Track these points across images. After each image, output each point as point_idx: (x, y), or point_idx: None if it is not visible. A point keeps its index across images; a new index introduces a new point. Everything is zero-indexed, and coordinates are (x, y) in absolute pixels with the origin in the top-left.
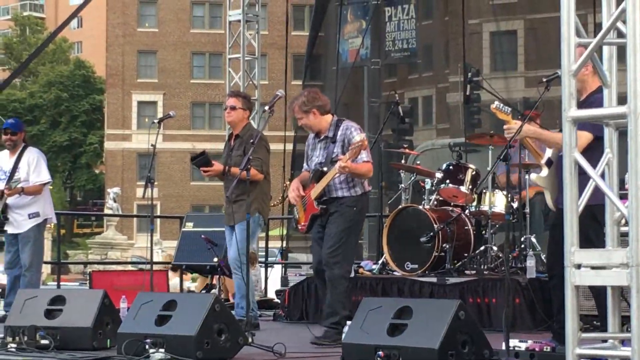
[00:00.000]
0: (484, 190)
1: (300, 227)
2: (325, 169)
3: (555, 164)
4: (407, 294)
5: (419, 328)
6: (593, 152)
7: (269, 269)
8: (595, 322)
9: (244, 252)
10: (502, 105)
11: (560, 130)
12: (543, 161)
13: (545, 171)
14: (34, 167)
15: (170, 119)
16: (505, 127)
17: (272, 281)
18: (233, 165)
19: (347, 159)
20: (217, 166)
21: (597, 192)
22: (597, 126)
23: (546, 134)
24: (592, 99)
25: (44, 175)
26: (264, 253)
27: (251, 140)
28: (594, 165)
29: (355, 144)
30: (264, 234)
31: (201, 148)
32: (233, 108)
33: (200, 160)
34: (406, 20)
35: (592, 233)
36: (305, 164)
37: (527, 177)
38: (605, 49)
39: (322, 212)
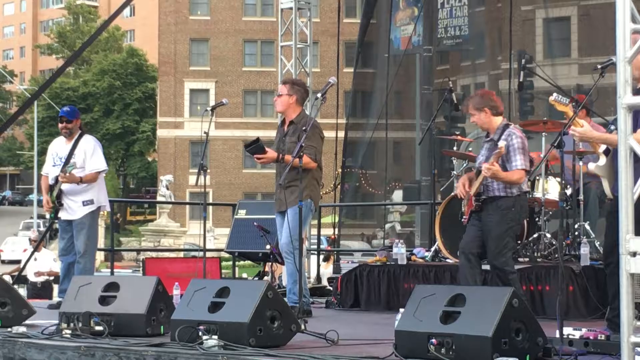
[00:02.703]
0: (537, 177)
1: (463, 220)
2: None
3: (612, 153)
4: (459, 282)
5: (472, 316)
6: None
7: (321, 256)
8: None
9: (296, 237)
10: (560, 96)
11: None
12: (601, 150)
13: (603, 159)
14: (91, 154)
15: (222, 106)
16: (572, 131)
17: (323, 269)
18: (287, 151)
19: (491, 162)
20: (271, 153)
21: None
22: None
23: (612, 137)
24: None
25: (100, 163)
26: (315, 240)
27: (303, 128)
28: None
29: (496, 150)
30: (315, 221)
31: (255, 135)
32: (279, 95)
33: (254, 147)
34: (458, 7)
35: None
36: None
37: (580, 164)
38: None
39: (478, 208)
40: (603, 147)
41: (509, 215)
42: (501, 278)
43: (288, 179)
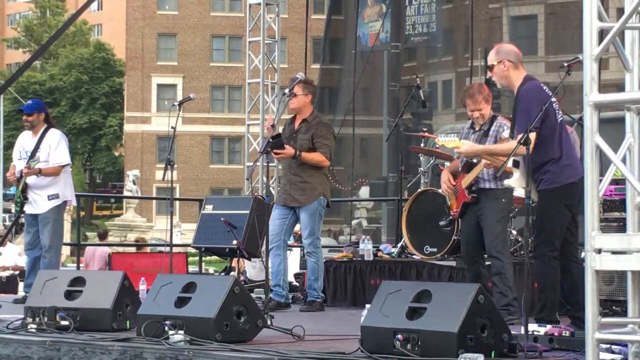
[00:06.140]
0: None
1: (452, 213)
2: (474, 160)
3: (523, 158)
4: (426, 278)
5: (438, 312)
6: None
7: (288, 252)
8: (614, 307)
9: (316, 234)
10: (444, 136)
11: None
12: (509, 165)
13: (516, 174)
14: (55, 147)
15: (190, 101)
16: (456, 151)
17: (290, 264)
18: (298, 148)
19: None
20: (289, 150)
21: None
22: (532, 119)
23: (496, 148)
24: (521, 92)
25: (64, 157)
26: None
27: (272, 124)
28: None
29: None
30: None
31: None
32: (294, 95)
33: (275, 142)
34: (426, 4)
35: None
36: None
37: None
38: (628, 33)
39: (473, 200)
40: (510, 162)
41: (500, 205)
42: (497, 267)
43: (299, 176)
